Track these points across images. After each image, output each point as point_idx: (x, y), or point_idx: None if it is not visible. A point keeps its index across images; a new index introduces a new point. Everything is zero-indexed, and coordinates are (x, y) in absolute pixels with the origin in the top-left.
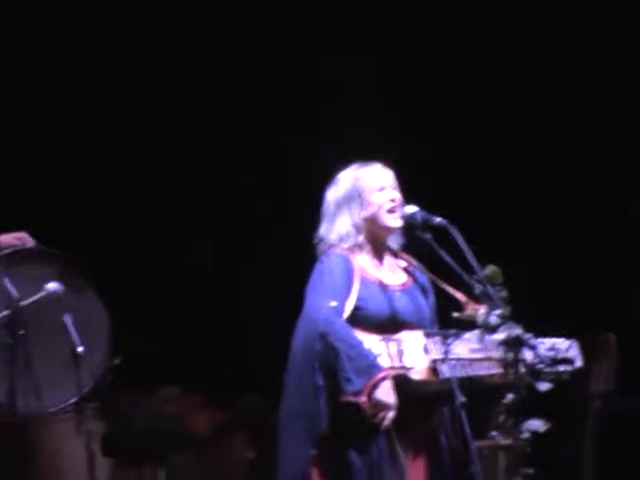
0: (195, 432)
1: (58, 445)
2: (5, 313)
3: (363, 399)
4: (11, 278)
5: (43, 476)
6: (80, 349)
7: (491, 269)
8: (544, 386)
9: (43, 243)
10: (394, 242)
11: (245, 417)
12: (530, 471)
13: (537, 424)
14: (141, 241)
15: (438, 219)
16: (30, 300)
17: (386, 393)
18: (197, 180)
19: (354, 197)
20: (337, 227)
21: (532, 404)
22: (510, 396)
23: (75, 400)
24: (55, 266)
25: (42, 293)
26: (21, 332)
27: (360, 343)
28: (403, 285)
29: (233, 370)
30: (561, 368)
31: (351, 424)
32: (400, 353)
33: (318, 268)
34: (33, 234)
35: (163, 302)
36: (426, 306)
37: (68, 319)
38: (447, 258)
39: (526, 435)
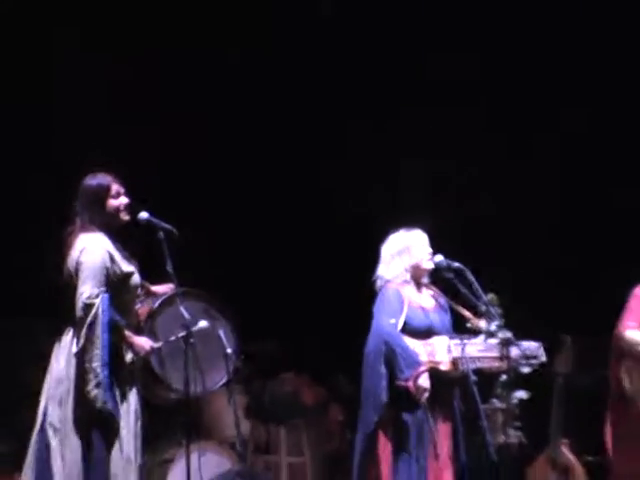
0: (305, 403)
1: (217, 411)
2: (182, 332)
3: (410, 384)
4: (186, 306)
5: (210, 430)
6: (229, 350)
7: (491, 295)
8: (526, 369)
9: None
10: (426, 279)
11: (338, 392)
12: (518, 424)
13: (522, 394)
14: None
15: (457, 264)
16: (196, 327)
17: (424, 380)
18: None
19: (402, 251)
20: (391, 270)
21: (519, 381)
22: (504, 377)
23: (226, 383)
24: (203, 300)
25: (202, 325)
26: (192, 341)
27: (409, 347)
28: (433, 307)
29: (330, 359)
30: (533, 361)
31: (404, 400)
32: (432, 353)
33: (380, 297)
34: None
35: (283, 320)
36: (447, 321)
37: (221, 332)
38: (462, 289)
39: (515, 401)
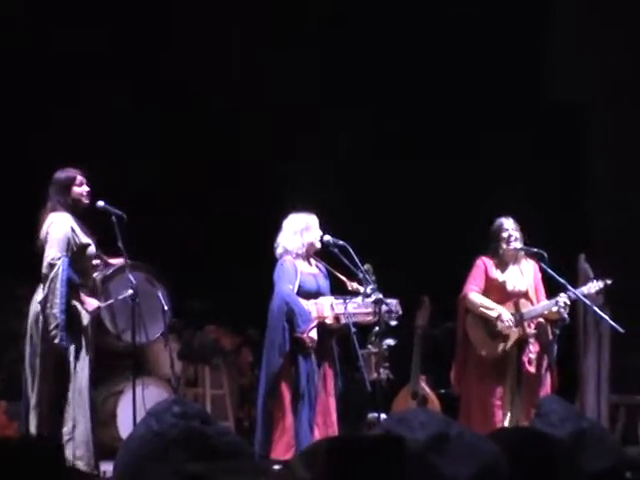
0: (224, 348)
1: (157, 354)
2: (130, 291)
3: (305, 336)
4: (132, 274)
5: (151, 368)
6: (166, 307)
7: (367, 265)
8: (393, 323)
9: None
10: (314, 253)
11: (249, 340)
12: (387, 364)
13: (390, 341)
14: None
15: (341, 242)
16: (122, 296)
17: (314, 333)
18: None
19: (303, 229)
20: (292, 243)
21: (387, 333)
22: (377, 329)
23: (163, 332)
24: (145, 271)
25: (127, 293)
26: (137, 300)
27: (303, 307)
28: (319, 275)
29: (242, 315)
30: (393, 315)
31: (299, 348)
32: (320, 310)
33: (279, 268)
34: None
35: (208, 284)
36: (328, 285)
37: (159, 293)
38: (345, 260)
39: (385, 347)
